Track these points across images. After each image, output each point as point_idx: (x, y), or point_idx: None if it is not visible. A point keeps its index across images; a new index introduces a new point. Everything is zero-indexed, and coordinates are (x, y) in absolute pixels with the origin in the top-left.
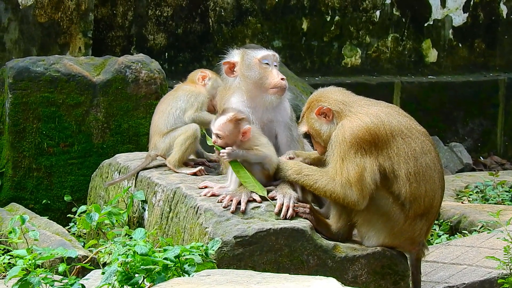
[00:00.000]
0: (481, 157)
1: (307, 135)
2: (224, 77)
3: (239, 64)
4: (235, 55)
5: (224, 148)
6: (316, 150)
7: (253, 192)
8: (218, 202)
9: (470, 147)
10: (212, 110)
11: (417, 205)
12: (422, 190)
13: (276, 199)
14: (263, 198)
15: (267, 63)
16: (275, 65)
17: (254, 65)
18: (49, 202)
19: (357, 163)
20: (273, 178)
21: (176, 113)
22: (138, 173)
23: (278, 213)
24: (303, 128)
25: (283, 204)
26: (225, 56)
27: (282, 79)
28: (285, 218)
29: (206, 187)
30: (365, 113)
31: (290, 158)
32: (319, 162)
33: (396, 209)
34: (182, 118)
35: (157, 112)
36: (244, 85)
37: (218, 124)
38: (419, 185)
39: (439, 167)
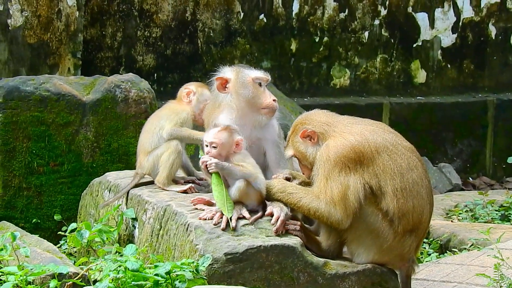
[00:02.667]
0: (470, 178)
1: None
2: (214, 93)
3: (232, 81)
4: (228, 72)
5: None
6: (303, 173)
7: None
8: (208, 219)
9: (459, 167)
10: (201, 123)
11: (405, 221)
12: (409, 206)
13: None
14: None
15: (260, 84)
16: (266, 87)
17: (248, 83)
18: (39, 221)
19: (341, 181)
20: (265, 199)
21: (159, 132)
22: (128, 191)
23: (274, 225)
24: (289, 152)
25: (278, 218)
26: (215, 73)
27: (274, 100)
28: (277, 232)
29: (198, 201)
30: (349, 132)
31: (286, 178)
32: None
33: (385, 226)
34: (164, 137)
35: (143, 131)
36: (236, 103)
37: (213, 133)
38: (406, 200)
39: (426, 183)
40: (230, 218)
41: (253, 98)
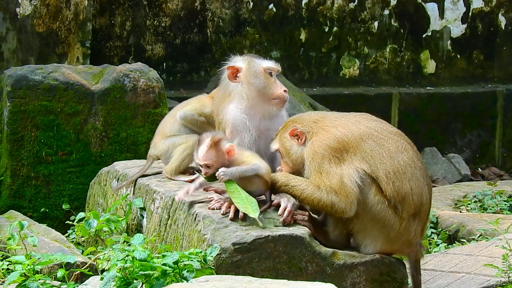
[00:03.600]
0: (479, 168)
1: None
2: (223, 83)
3: (243, 70)
4: (239, 61)
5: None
6: (282, 169)
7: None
8: (216, 208)
9: (468, 158)
10: None
11: (407, 204)
12: (407, 188)
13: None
14: (235, 212)
15: (271, 74)
16: (276, 77)
17: (259, 73)
18: (47, 210)
19: (334, 171)
20: (269, 187)
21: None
22: (137, 179)
23: (281, 215)
24: (275, 146)
25: (286, 208)
26: (226, 62)
27: (284, 91)
28: (284, 223)
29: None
30: (332, 126)
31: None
32: None
33: (390, 214)
34: (177, 116)
35: (168, 114)
36: (246, 92)
37: (202, 155)
38: (402, 183)
39: (420, 164)
40: (257, 217)
41: (264, 88)
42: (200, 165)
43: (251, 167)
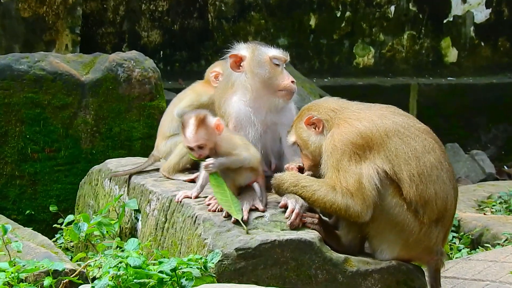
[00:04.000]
0: (505, 166)
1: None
2: (226, 73)
3: (247, 59)
4: (243, 49)
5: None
6: (303, 163)
7: (234, 210)
8: (218, 211)
9: (493, 155)
10: None
11: (430, 209)
12: (431, 192)
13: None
14: (236, 221)
15: (277, 64)
16: (284, 67)
17: (264, 62)
18: (33, 212)
19: (353, 171)
20: (260, 173)
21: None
22: (131, 176)
23: (288, 218)
24: (292, 138)
25: (293, 211)
26: (229, 50)
27: (292, 82)
28: (291, 226)
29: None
30: (356, 118)
31: (299, 168)
32: None
33: (409, 217)
34: (174, 113)
35: (165, 113)
36: (251, 83)
37: (192, 137)
38: (426, 186)
39: (447, 166)
40: (241, 219)
41: (270, 78)
42: (191, 148)
43: (238, 158)
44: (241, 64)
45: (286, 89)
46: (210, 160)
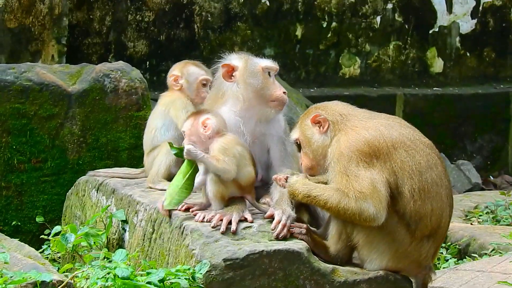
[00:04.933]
0: (491, 176)
1: (298, 145)
2: (217, 82)
3: (240, 69)
4: (235, 59)
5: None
6: (301, 162)
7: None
8: (206, 221)
9: (479, 165)
10: (202, 102)
11: (423, 224)
12: (428, 208)
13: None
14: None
15: (269, 73)
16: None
17: (257, 72)
18: (19, 223)
19: (364, 175)
20: (249, 191)
21: (152, 133)
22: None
23: (274, 230)
24: (295, 135)
25: (280, 222)
26: (217, 60)
27: (284, 92)
28: (278, 238)
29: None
30: (363, 127)
31: (287, 179)
32: None
33: (401, 230)
34: (157, 137)
35: (146, 128)
36: (243, 93)
37: (184, 124)
38: (424, 203)
39: (446, 183)
40: (169, 211)
41: (262, 89)
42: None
43: (216, 164)
44: (233, 74)
45: (278, 99)
46: (191, 146)
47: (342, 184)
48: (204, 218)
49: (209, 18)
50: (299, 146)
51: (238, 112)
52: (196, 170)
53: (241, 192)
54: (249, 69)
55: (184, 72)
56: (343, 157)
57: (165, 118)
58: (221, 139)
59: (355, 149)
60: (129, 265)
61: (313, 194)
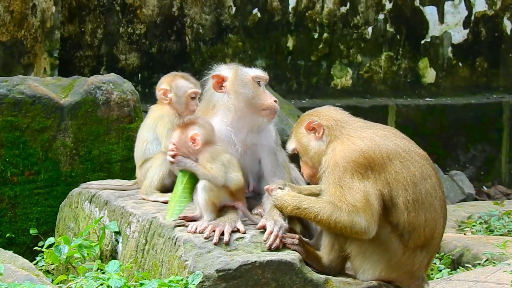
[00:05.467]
0: (484, 187)
1: (295, 156)
2: (206, 94)
3: (230, 79)
4: (224, 70)
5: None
6: (303, 172)
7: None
8: (199, 232)
9: (472, 175)
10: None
11: (416, 235)
12: (421, 220)
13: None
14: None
15: (259, 83)
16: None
17: (247, 82)
18: (13, 235)
19: (358, 187)
20: (240, 198)
21: (143, 146)
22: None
23: (266, 241)
24: (291, 145)
25: (272, 233)
26: (208, 72)
27: (275, 101)
28: (270, 249)
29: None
30: (358, 137)
31: (279, 188)
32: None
33: (394, 240)
34: (149, 149)
35: (136, 140)
36: (234, 103)
37: (173, 134)
38: (418, 214)
39: (440, 194)
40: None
41: (253, 98)
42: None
43: (204, 171)
44: (223, 85)
45: (269, 108)
46: (179, 156)
47: (335, 197)
48: (196, 229)
49: (201, 30)
50: (296, 156)
51: (230, 123)
52: (194, 178)
53: (232, 199)
54: (239, 79)
55: (173, 86)
56: (338, 168)
57: (154, 131)
58: (209, 149)
59: (351, 160)
60: (123, 276)
61: (303, 206)
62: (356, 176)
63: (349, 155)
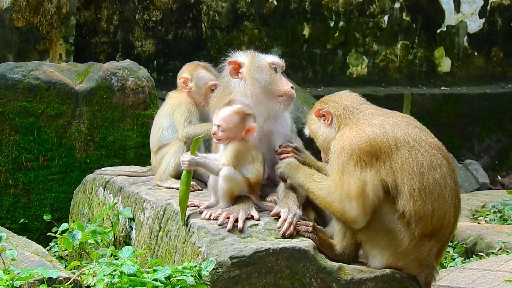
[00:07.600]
0: (498, 176)
1: (312, 142)
2: (223, 80)
3: (247, 65)
4: (241, 56)
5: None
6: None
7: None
8: (213, 219)
9: (486, 165)
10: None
11: (423, 224)
12: (428, 209)
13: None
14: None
15: (275, 70)
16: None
17: (264, 68)
18: (27, 221)
19: (358, 176)
20: (256, 191)
21: (159, 132)
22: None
23: (280, 228)
24: (306, 131)
25: (286, 220)
26: (224, 58)
27: (291, 87)
28: (284, 236)
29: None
30: (367, 123)
31: (295, 148)
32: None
33: (401, 227)
34: (165, 136)
35: (152, 127)
36: (250, 89)
37: (223, 115)
38: (424, 203)
39: (451, 184)
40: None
41: (270, 84)
42: (215, 124)
43: (218, 167)
44: (240, 71)
45: (286, 94)
46: (187, 157)
47: (335, 181)
48: (210, 216)
49: (217, 18)
50: (313, 142)
51: None
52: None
53: (249, 190)
54: (255, 65)
55: (194, 75)
56: (343, 154)
57: (170, 118)
58: (240, 144)
59: (356, 147)
60: (136, 262)
61: (314, 178)
62: (360, 164)
63: (355, 141)
